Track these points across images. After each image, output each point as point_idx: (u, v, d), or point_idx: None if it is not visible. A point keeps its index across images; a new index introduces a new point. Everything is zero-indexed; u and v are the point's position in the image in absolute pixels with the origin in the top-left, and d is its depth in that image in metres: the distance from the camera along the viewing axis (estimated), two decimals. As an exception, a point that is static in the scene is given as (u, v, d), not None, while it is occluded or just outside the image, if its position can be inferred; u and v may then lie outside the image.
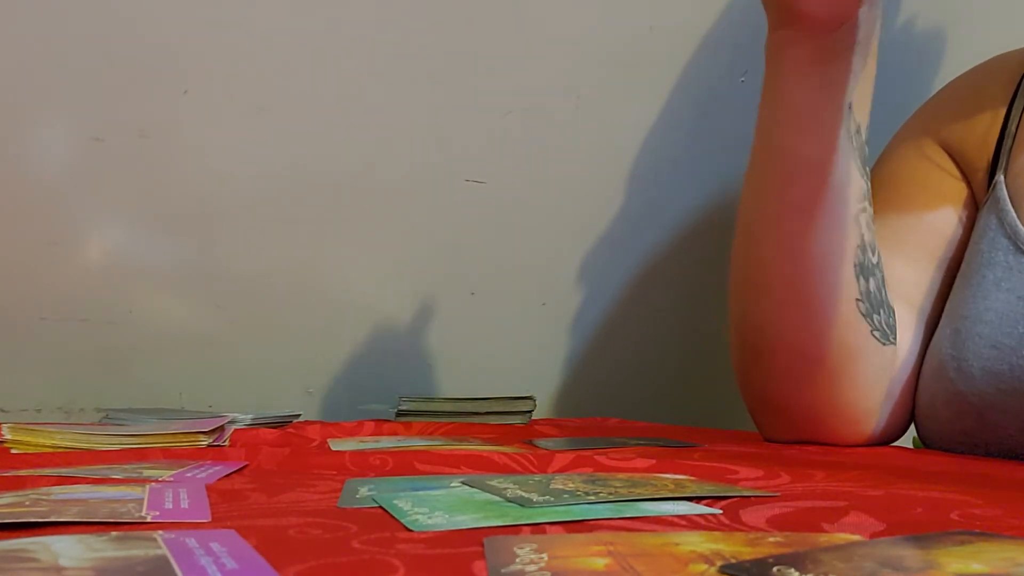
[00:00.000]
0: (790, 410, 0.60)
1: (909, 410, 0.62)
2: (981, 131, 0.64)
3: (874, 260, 0.56)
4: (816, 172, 0.54)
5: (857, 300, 0.56)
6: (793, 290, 0.57)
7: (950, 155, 0.65)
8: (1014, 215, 0.58)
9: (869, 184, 0.56)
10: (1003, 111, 0.63)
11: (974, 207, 0.64)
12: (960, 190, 0.64)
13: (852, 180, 0.54)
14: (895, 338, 0.59)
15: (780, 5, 0.51)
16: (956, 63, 0.75)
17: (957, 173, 0.64)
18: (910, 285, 0.63)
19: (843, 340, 0.57)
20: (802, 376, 0.58)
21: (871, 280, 0.56)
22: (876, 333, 0.57)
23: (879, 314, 0.57)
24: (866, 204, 0.55)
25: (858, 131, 0.53)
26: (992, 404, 0.54)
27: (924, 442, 0.61)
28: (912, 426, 0.63)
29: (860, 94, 0.52)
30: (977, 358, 0.55)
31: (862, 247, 0.55)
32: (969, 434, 0.56)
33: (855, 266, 0.55)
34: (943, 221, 0.64)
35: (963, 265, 0.61)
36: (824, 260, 0.55)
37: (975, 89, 0.67)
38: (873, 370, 0.58)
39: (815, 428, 0.59)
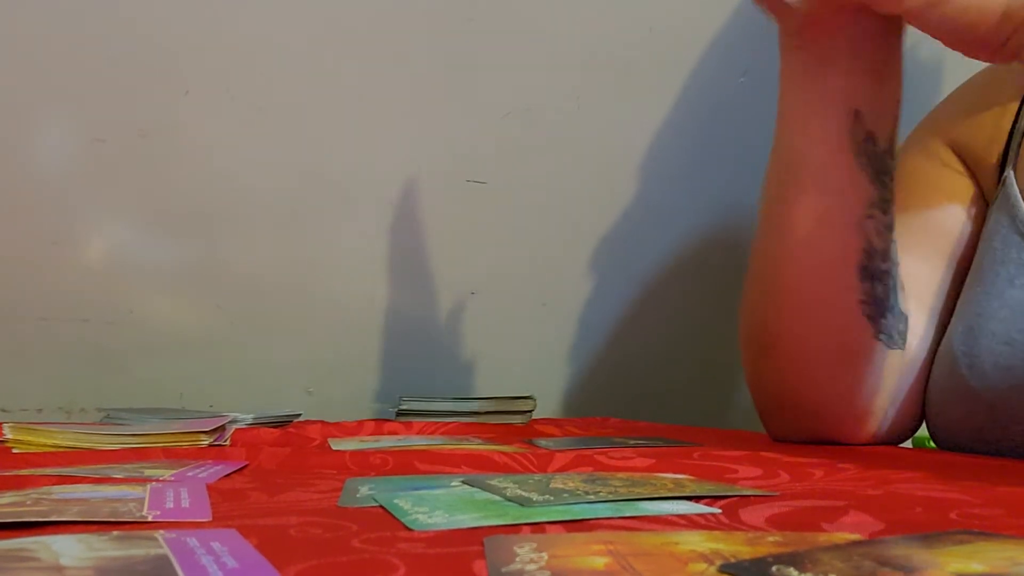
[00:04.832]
0: (794, 407, 0.60)
1: (918, 411, 0.61)
2: (990, 127, 0.63)
3: (884, 267, 0.56)
4: (813, 173, 0.54)
5: (860, 302, 0.56)
6: (795, 289, 0.57)
7: (958, 154, 0.65)
8: None
9: (888, 196, 0.55)
10: (1014, 107, 0.63)
11: (983, 204, 0.63)
12: (968, 187, 0.64)
13: (857, 186, 0.53)
14: (904, 344, 0.59)
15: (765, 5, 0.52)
16: (961, 65, 0.75)
17: (965, 171, 0.64)
18: (921, 284, 0.62)
19: (843, 340, 0.57)
20: (803, 372, 0.58)
21: (877, 285, 0.56)
22: (882, 336, 0.57)
23: (885, 318, 0.57)
24: (875, 212, 0.54)
25: (869, 139, 0.53)
26: (1004, 400, 0.54)
27: (934, 439, 0.61)
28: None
29: (872, 105, 0.52)
30: (990, 354, 0.55)
31: (868, 252, 0.55)
32: (980, 431, 0.56)
33: (859, 269, 0.55)
34: (953, 219, 0.64)
35: (975, 262, 0.61)
36: (825, 261, 0.55)
37: (984, 88, 0.66)
38: (875, 371, 0.58)
39: (818, 425, 0.60)
